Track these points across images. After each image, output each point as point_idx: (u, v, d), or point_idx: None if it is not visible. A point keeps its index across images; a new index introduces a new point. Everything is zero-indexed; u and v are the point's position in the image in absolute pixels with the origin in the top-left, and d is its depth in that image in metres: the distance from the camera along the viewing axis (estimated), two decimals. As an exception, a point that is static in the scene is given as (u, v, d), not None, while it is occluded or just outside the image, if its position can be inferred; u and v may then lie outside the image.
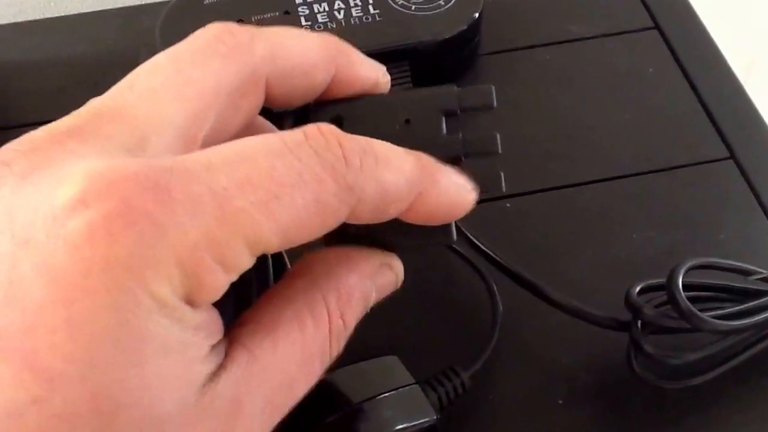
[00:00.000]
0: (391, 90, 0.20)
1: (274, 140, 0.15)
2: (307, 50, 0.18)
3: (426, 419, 0.24)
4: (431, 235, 0.19)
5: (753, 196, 0.33)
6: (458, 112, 0.20)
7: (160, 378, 0.14)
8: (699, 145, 0.34)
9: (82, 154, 0.15)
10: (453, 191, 0.18)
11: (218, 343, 0.16)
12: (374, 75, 0.20)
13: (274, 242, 0.15)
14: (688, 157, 0.34)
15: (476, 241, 0.29)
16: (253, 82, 0.17)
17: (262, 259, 0.16)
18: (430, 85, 0.21)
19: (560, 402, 0.27)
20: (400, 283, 0.20)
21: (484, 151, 0.20)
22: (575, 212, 0.32)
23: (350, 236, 0.19)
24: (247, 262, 0.15)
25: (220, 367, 0.15)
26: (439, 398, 0.25)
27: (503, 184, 0.20)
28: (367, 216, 0.16)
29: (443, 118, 0.19)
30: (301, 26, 0.34)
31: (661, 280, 0.26)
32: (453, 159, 0.19)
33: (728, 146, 0.34)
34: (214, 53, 0.17)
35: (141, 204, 0.14)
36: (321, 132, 0.16)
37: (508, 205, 0.33)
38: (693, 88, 0.36)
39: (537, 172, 0.33)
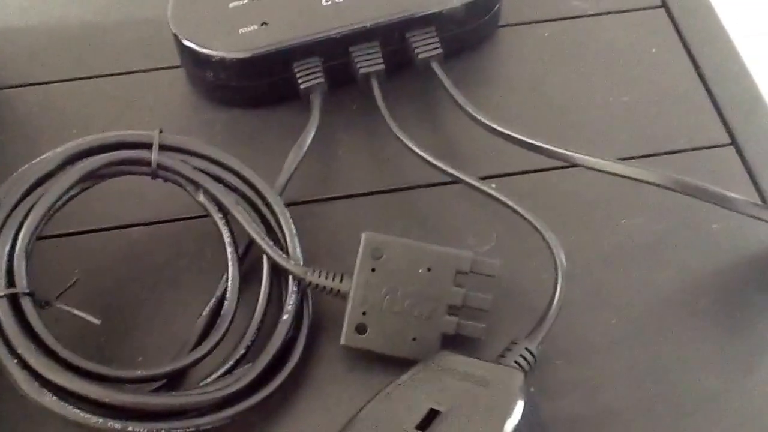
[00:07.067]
0: (423, 243, 0.26)
1: None
2: None
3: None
4: None
5: (753, 185, 0.31)
6: (468, 272, 0.26)
7: None
8: (699, 129, 0.33)
9: None
10: None
11: None
12: None
13: None
14: (687, 141, 0.32)
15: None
16: None
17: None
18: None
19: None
20: None
21: (478, 307, 0.26)
22: (563, 195, 0.31)
23: None
24: None
25: None
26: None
27: (484, 334, 0.26)
28: None
29: (455, 274, 0.26)
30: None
31: None
32: (453, 306, 0.26)
33: (730, 132, 0.32)
34: None
35: None
36: None
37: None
38: (697, 70, 0.34)
39: (524, 152, 0.32)
